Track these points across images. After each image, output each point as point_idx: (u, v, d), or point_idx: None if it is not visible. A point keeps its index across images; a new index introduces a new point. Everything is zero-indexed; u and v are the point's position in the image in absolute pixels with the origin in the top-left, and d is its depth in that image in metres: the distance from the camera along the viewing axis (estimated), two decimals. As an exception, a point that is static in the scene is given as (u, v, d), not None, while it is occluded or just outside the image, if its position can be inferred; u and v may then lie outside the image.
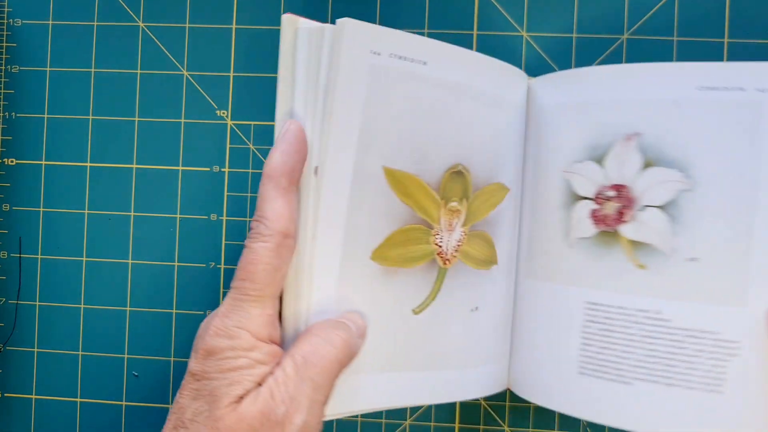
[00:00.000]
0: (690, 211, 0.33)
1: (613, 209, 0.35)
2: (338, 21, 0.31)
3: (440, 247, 0.35)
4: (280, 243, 0.29)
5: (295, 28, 0.31)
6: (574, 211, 0.36)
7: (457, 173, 0.35)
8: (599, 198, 0.35)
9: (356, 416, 0.44)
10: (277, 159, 0.30)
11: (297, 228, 0.30)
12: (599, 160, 0.35)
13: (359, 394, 0.34)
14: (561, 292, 0.36)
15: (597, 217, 0.35)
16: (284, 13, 0.44)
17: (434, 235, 0.35)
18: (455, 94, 0.35)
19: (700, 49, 0.42)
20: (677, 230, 0.33)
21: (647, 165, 0.34)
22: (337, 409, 0.33)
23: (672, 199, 0.33)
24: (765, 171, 0.32)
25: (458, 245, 0.36)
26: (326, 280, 0.32)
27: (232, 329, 0.29)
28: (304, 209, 0.31)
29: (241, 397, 0.28)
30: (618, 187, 0.35)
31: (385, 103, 0.32)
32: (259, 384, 0.28)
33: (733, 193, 0.32)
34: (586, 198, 0.36)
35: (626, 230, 0.34)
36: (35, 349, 0.45)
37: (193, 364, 0.29)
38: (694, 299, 0.33)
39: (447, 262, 0.36)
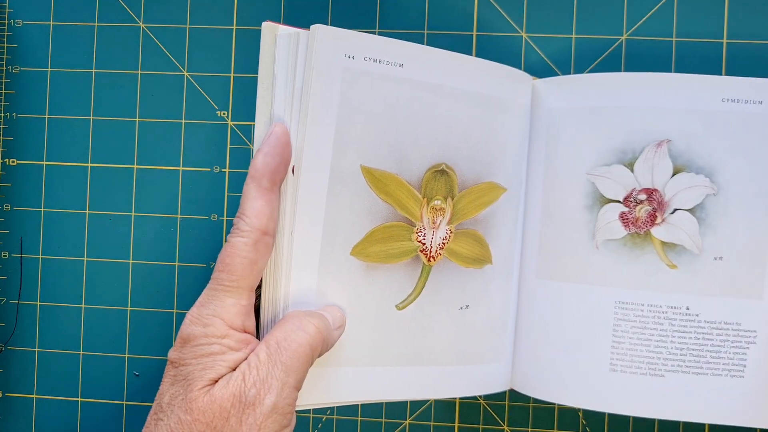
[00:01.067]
0: (715, 214, 0.36)
1: (644, 212, 0.37)
2: (312, 27, 0.32)
3: (423, 244, 0.36)
4: (258, 239, 0.31)
5: (274, 35, 0.33)
6: (601, 214, 0.37)
7: (440, 172, 0.36)
8: (629, 201, 0.37)
9: (356, 415, 0.44)
10: (260, 161, 0.32)
11: (276, 226, 0.32)
12: (628, 164, 0.37)
13: (341, 386, 0.35)
14: (588, 292, 0.38)
15: (627, 220, 0.37)
16: (284, 13, 0.45)
17: (416, 233, 0.36)
18: (436, 94, 0.35)
19: (700, 49, 0.42)
20: (704, 231, 0.36)
21: (676, 171, 0.37)
22: (317, 399, 0.34)
23: (699, 202, 0.36)
24: None
25: (443, 243, 0.37)
26: (305, 273, 0.33)
27: (207, 317, 0.30)
28: (282, 206, 0.33)
29: (214, 381, 0.29)
30: (649, 191, 0.37)
31: (360, 104, 0.33)
32: (233, 369, 0.30)
33: (754, 197, 0.36)
34: (614, 201, 0.37)
35: (658, 232, 0.37)
36: (36, 349, 0.45)
37: (172, 351, 0.31)
38: (718, 294, 0.36)
39: (432, 259, 0.36)
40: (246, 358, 0.30)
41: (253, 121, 0.44)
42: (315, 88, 0.32)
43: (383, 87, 0.34)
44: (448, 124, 0.36)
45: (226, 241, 0.31)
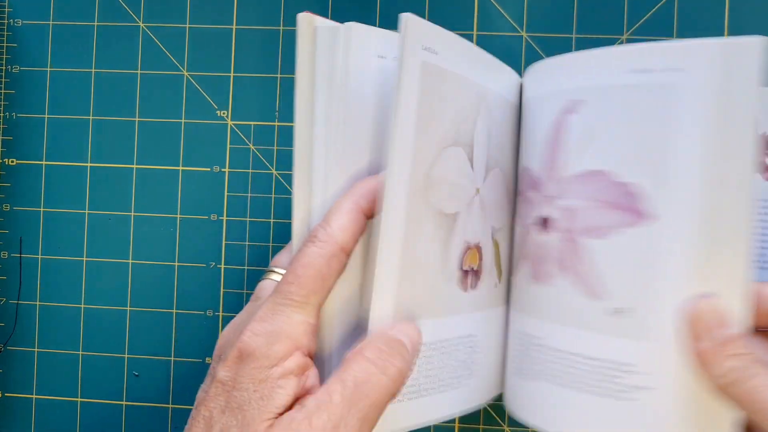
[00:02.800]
0: None
1: None
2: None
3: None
4: (334, 253, 0.28)
5: (313, 27, 0.31)
6: None
7: None
8: None
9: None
10: (370, 183, 0.30)
11: (353, 248, 0.29)
12: None
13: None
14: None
15: None
16: (284, 13, 0.44)
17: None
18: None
19: (700, 49, 0.42)
20: None
21: None
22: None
23: None
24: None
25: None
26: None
27: (272, 334, 0.27)
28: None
29: (276, 414, 0.26)
30: None
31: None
32: (295, 400, 0.27)
33: None
34: None
35: None
36: (36, 349, 0.45)
37: (223, 371, 0.27)
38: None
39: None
40: (311, 391, 0.27)
41: (253, 120, 0.44)
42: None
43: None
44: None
45: (298, 250, 0.29)
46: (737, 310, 0.29)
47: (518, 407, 0.35)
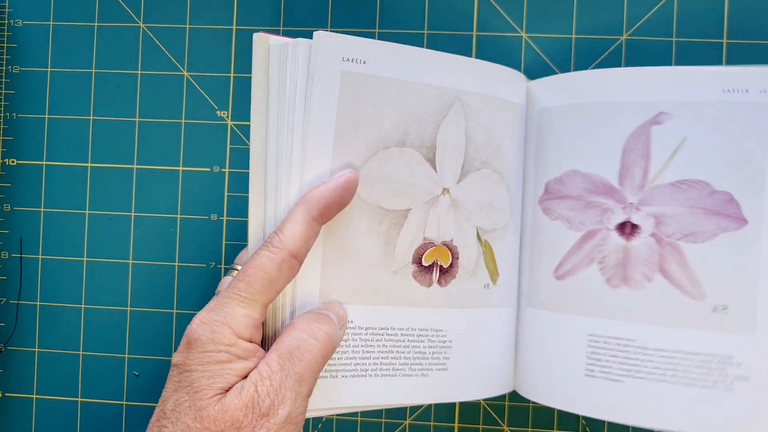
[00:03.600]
0: None
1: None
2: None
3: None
4: (285, 259, 0.31)
5: (267, 46, 0.33)
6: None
7: None
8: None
9: (356, 415, 0.44)
10: (320, 191, 0.32)
11: (305, 255, 0.32)
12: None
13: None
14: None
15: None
16: (284, 13, 0.45)
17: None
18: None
19: (699, 49, 0.42)
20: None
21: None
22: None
23: None
24: None
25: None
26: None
27: (215, 323, 0.30)
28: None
29: (224, 390, 0.29)
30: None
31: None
32: (243, 378, 0.30)
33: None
34: None
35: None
36: (36, 349, 0.45)
37: (176, 356, 0.30)
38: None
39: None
40: (255, 367, 0.30)
41: (253, 121, 0.44)
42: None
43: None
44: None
45: (255, 251, 0.31)
46: None
47: (593, 407, 0.37)
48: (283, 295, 0.33)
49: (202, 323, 0.30)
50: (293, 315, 0.33)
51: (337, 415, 0.44)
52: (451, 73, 0.36)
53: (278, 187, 0.33)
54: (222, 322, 0.30)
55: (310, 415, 0.33)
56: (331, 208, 0.32)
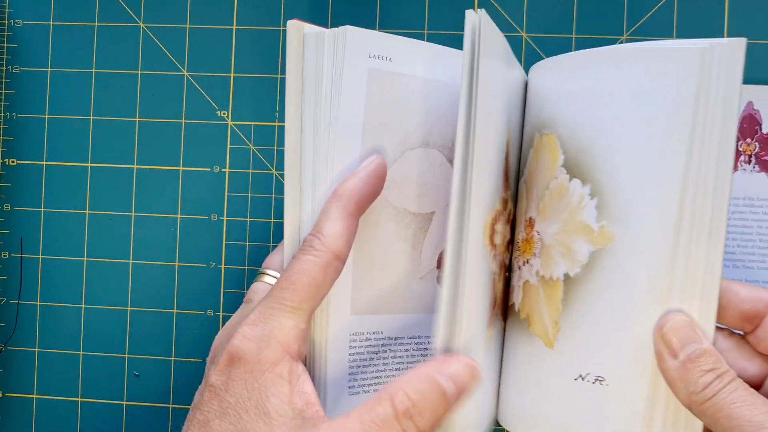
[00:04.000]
0: None
1: None
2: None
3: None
4: (329, 262, 0.29)
5: (301, 34, 0.31)
6: None
7: None
8: None
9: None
10: (353, 183, 0.30)
11: (348, 254, 0.30)
12: None
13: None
14: None
15: None
16: (285, 13, 0.44)
17: None
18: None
19: (700, 49, 0.42)
20: None
21: None
22: None
23: None
24: None
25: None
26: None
27: (262, 338, 0.27)
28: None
29: (267, 415, 0.26)
30: None
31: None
32: (288, 405, 0.27)
33: None
34: None
35: None
36: (36, 349, 0.45)
37: (215, 375, 0.27)
38: None
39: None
40: (296, 391, 0.27)
41: (253, 120, 0.44)
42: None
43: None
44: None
45: (293, 257, 0.29)
46: (709, 324, 0.29)
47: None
48: (328, 308, 0.31)
49: (246, 338, 0.27)
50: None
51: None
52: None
53: (316, 185, 0.31)
54: (269, 336, 0.27)
55: None
56: (366, 200, 0.30)
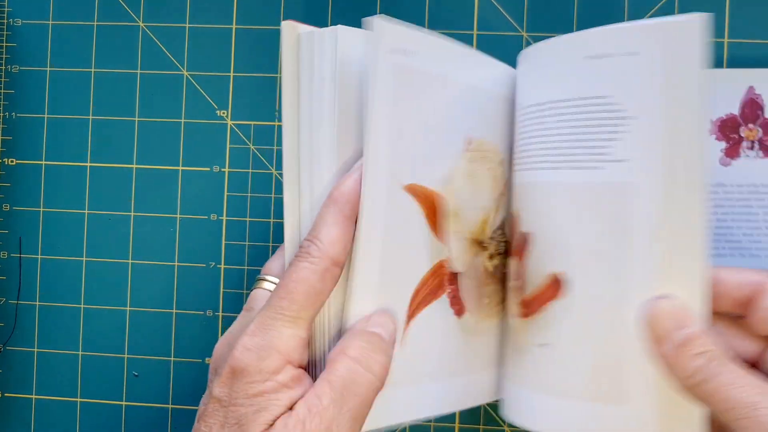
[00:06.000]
0: None
1: None
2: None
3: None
4: (327, 268, 0.28)
5: (296, 34, 0.31)
6: None
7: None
8: None
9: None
10: (349, 186, 0.29)
11: (346, 259, 0.29)
12: None
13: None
14: None
15: None
16: (284, 13, 0.44)
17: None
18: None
19: (700, 49, 0.42)
20: None
21: None
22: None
23: None
24: None
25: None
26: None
27: (262, 349, 0.27)
28: None
29: (270, 423, 0.27)
30: None
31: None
32: (288, 408, 0.27)
33: None
34: None
35: None
36: (35, 349, 0.45)
37: (218, 388, 0.28)
38: None
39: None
40: (302, 398, 0.27)
41: (253, 120, 0.44)
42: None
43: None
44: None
45: (290, 264, 0.29)
46: (697, 306, 0.29)
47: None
48: (328, 312, 0.30)
49: (247, 349, 0.27)
50: (339, 330, 0.30)
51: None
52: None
53: (313, 187, 0.31)
54: (269, 346, 0.27)
55: None
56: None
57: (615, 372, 0.30)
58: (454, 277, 0.34)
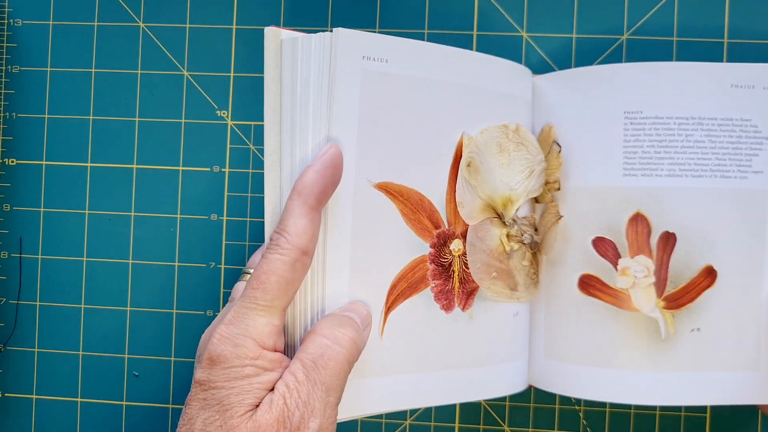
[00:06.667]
0: None
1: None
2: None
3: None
4: (297, 258, 0.30)
5: (278, 40, 0.32)
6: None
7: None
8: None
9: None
10: (310, 177, 0.30)
11: (314, 247, 0.31)
12: None
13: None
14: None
15: None
16: (284, 13, 0.44)
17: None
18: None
19: (700, 49, 0.42)
20: None
21: None
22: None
23: None
24: None
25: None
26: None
27: (237, 337, 0.29)
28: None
29: (254, 406, 0.28)
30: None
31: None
32: (270, 390, 0.29)
33: None
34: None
35: None
36: (36, 349, 0.45)
37: (199, 372, 0.29)
38: None
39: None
40: (281, 377, 0.29)
41: (253, 120, 0.44)
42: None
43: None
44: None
45: (262, 256, 0.30)
46: None
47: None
48: (303, 299, 0.32)
49: (224, 338, 0.29)
50: (316, 319, 0.32)
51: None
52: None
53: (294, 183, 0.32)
54: (244, 334, 0.29)
55: (340, 420, 0.32)
56: (325, 192, 0.31)
57: (754, 344, 0.37)
58: (440, 273, 0.36)
